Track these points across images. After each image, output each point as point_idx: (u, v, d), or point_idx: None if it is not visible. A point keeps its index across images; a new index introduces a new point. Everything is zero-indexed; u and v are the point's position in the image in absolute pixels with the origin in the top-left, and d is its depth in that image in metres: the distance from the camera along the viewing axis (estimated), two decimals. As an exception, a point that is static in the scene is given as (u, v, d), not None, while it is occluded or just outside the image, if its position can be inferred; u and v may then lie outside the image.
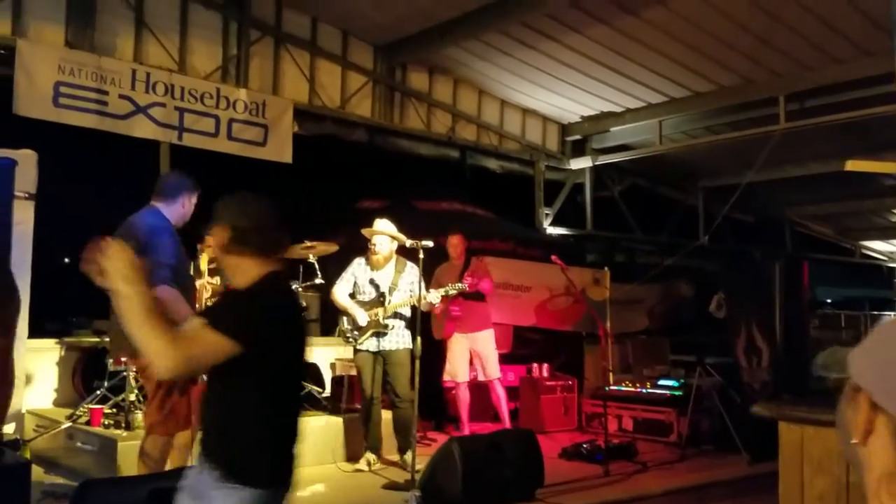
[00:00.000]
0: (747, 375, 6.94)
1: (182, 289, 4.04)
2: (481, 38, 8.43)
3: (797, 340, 6.78)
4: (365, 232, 5.97)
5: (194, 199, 4.28)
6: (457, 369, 6.91)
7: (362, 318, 5.85)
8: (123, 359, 5.27)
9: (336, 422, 6.22)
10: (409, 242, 5.60)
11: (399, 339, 5.85)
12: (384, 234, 5.88)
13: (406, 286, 5.90)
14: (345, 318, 5.99)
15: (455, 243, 7.01)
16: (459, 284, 6.15)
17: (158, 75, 7.28)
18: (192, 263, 4.51)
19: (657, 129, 9.99)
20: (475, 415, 7.40)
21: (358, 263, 6.08)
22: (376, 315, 5.85)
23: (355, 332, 5.90)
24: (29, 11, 6.75)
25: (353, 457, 6.07)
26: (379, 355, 5.86)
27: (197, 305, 4.53)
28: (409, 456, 5.58)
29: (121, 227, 4.08)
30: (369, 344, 5.86)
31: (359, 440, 6.10)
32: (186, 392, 4.10)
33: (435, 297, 5.97)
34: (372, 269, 6.01)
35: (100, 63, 6.91)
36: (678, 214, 12.43)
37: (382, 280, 5.95)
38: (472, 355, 6.95)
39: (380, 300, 5.89)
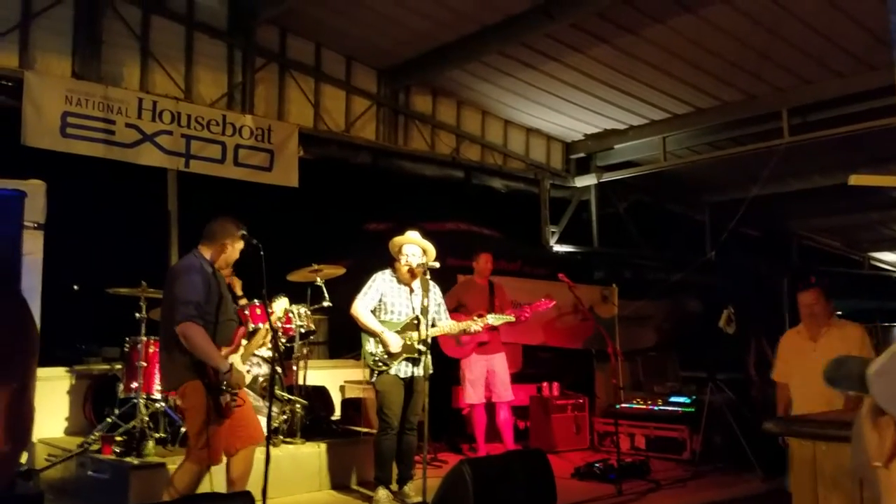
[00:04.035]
0: (758, 390, 6.92)
1: (210, 324, 4.17)
2: (483, 59, 8.50)
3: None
4: (394, 242, 5.62)
5: (237, 245, 4.42)
6: (478, 390, 6.87)
7: (396, 343, 5.42)
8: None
9: (322, 447, 6.04)
10: (434, 259, 5.44)
11: (428, 365, 5.34)
12: (417, 243, 5.57)
13: (433, 307, 5.55)
14: (372, 340, 5.51)
15: (484, 263, 7.06)
16: (508, 317, 6.07)
17: (165, 104, 7.35)
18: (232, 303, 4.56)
19: (661, 146, 10.02)
20: (486, 436, 7.37)
21: (382, 279, 5.62)
22: (411, 339, 5.45)
23: (385, 357, 5.46)
24: (36, 44, 6.85)
25: (341, 484, 5.98)
26: (405, 381, 5.50)
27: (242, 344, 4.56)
28: (409, 488, 5.52)
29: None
30: (399, 369, 5.47)
31: (350, 466, 6.02)
32: (221, 423, 4.13)
33: (478, 326, 5.80)
34: (400, 286, 5.62)
35: (106, 93, 6.99)
36: (684, 230, 12.41)
37: (414, 299, 5.56)
38: (489, 376, 6.90)
39: (414, 323, 5.48)
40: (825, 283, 4.79)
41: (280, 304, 5.26)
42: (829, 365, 1.24)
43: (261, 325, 5.60)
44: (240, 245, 4.44)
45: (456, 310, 6.69)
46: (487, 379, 6.87)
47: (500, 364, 6.91)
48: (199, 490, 4.24)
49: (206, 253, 4.37)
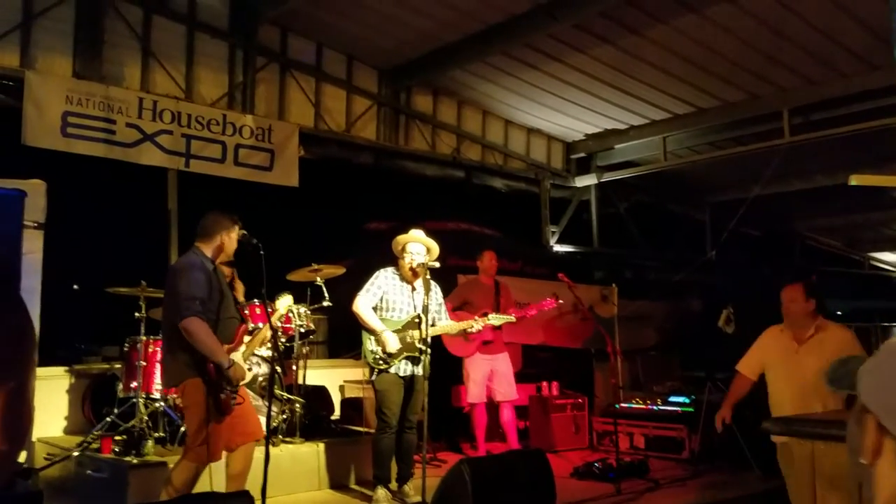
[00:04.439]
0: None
1: (213, 321, 4.17)
2: (485, 60, 8.50)
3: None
4: (398, 241, 5.58)
5: (234, 235, 4.41)
6: (481, 390, 6.86)
7: (394, 344, 5.38)
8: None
9: (321, 447, 6.02)
10: (434, 258, 5.43)
11: (427, 364, 5.26)
12: (421, 241, 5.54)
13: (434, 307, 5.54)
14: (372, 339, 5.48)
15: (488, 261, 7.03)
16: (509, 317, 6.06)
17: (165, 103, 7.35)
18: (233, 300, 4.55)
19: (661, 146, 10.02)
20: (486, 435, 7.36)
21: (385, 276, 5.57)
22: (412, 338, 5.42)
23: (385, 355, 5.42)
24: (37, 43, 6.85)
25: (340, 484, 5.98)
26: (404, 380, 5.47)
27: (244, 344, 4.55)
28: (408, 487, 5.52)
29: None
30: (399, 368, 5.44)
31: (349, 465, 6.02)
32: (221, 421, 4.14)
33: (479, 325, 5.78)
34: (403, 284, 5.58)
35: (107, 92, 6.99)
36: (685, 230, 12.41)
37: (416, 298, 5.51)
38: (492, 375, 6.88)
39: (415, 321, 5.44)
40: (811, 283, 4.46)
41: (284, 302, 5.25)
42: (832, 365, 1.25)
43: (260, 324, 5.60)
44: (235, 235, 4.42)
45: (461, 308, 6.69)
46: (490, 378, 6.87)
47: (503, 364, 6.91)
48: (198, 488, 4.25)
49: (206, 250, 4.37)
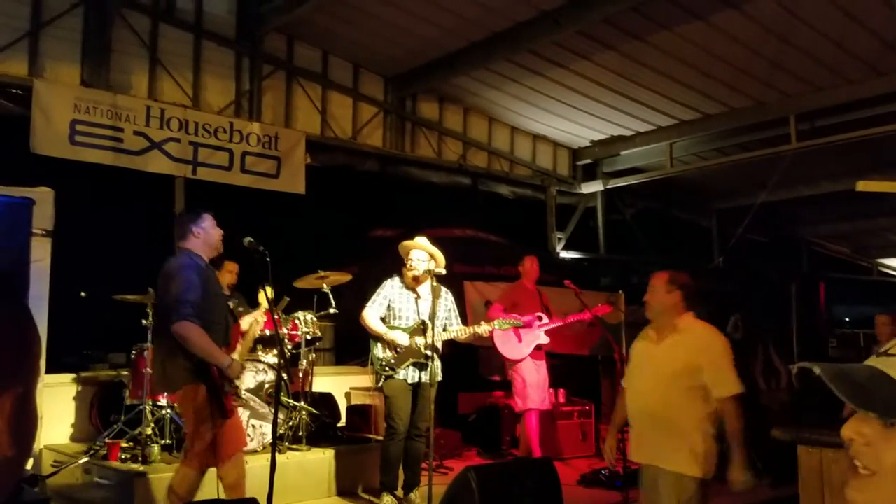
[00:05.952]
0: (766, 398, 6.89)
1: (209, 323, 4.08)
2: (490, 67, 8.51)
3: (815, 361, 6.72)
4: (403, 246, 5.62)
5: (205, 224, 4.28)
6: (541, 393, 6.82)
7: (403, 339, 5.44)
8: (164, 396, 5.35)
9: (327, 454, 6.02)
10: (441, 267, 5.44)
11: (436, 371, 5.28)
12: (423, 248, 5.56)
13: (444, 313, 5.58)
14: (379, 346, 5.53)
15: (530, 265, 7.08)
16: (516, 321, 6.07)
17: (173, 111, 7.38)
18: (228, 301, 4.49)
19: (668, 152, 10.00)
20: (491, 444, 7.36)
21: (391, 285, 5.64)
22: (417, 345, 5.47)
23: (392, 361, 5.46)
24: (45, 52, 6.89)
25: (347, 491, 5.96)
26: (413, 386, 5.48)
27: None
28: (414, 495, 5.51)
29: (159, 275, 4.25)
30: (407, 374, 5.46)
31: (355, 473, 6.02)
32: (219, 426, 4.11)
33: (485, 329, 5.77)
34: (408, 292, 5.63)
35: (115, 101, 7.03)
36: (692, 236, 12.39)
37: (422, 305, 5.54)
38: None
39: (421, 328, 5.48)
40: (679, 274, 3.77)
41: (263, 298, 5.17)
42: (837, 385, 0.96)
43: (261, 319, 5.58)
44: (209, 224, 4.29)
45: (510, 310, 6.72)
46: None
47: (545, 370, 6.94)
48: (205, 494, 4.24)
49: (193, 248, 4.26)
